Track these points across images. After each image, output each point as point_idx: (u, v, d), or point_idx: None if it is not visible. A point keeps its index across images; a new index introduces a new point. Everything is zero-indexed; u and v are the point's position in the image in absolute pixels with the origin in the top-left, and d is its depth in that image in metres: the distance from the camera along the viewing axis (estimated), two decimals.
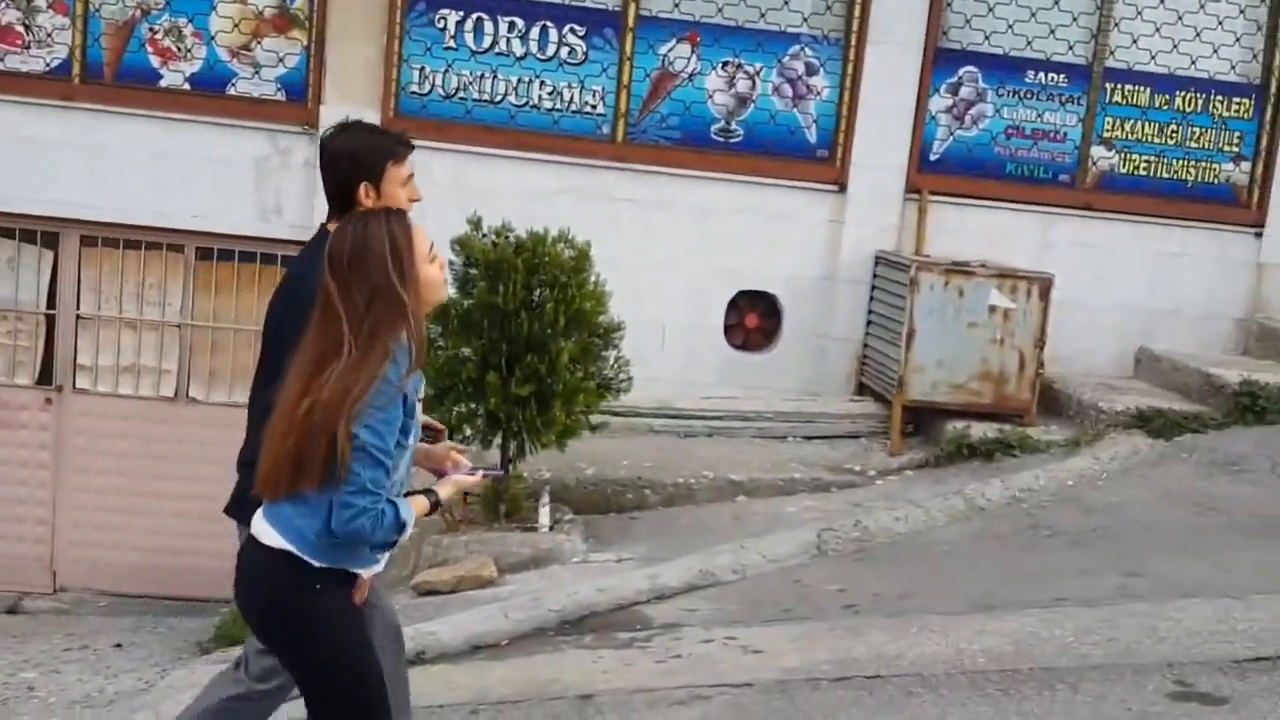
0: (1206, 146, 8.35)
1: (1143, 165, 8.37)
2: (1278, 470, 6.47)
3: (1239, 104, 8.33)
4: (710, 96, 8.07)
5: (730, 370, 8.26)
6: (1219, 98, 8.31)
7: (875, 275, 8.04)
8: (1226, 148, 8.38)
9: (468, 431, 5.92)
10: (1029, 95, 8.24)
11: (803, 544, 5.85)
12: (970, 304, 7.45)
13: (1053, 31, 8.13)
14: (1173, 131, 8.35)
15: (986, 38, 8.12)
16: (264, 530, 2.84)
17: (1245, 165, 8.41)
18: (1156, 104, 8.33)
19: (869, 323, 8.08)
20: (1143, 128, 8.35)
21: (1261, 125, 8.36)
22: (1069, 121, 8.29)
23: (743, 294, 8.27)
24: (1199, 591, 4.80)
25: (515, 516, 6.21)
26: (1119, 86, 8.27)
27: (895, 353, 7.50)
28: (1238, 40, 8.25)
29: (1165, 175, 8.36)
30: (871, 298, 8.07)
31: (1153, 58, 8.23)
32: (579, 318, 5.93)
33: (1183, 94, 8.29)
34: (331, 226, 3.17)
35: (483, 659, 4.84)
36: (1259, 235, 8.39)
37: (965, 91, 8.20)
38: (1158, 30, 8.19)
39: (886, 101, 8.07)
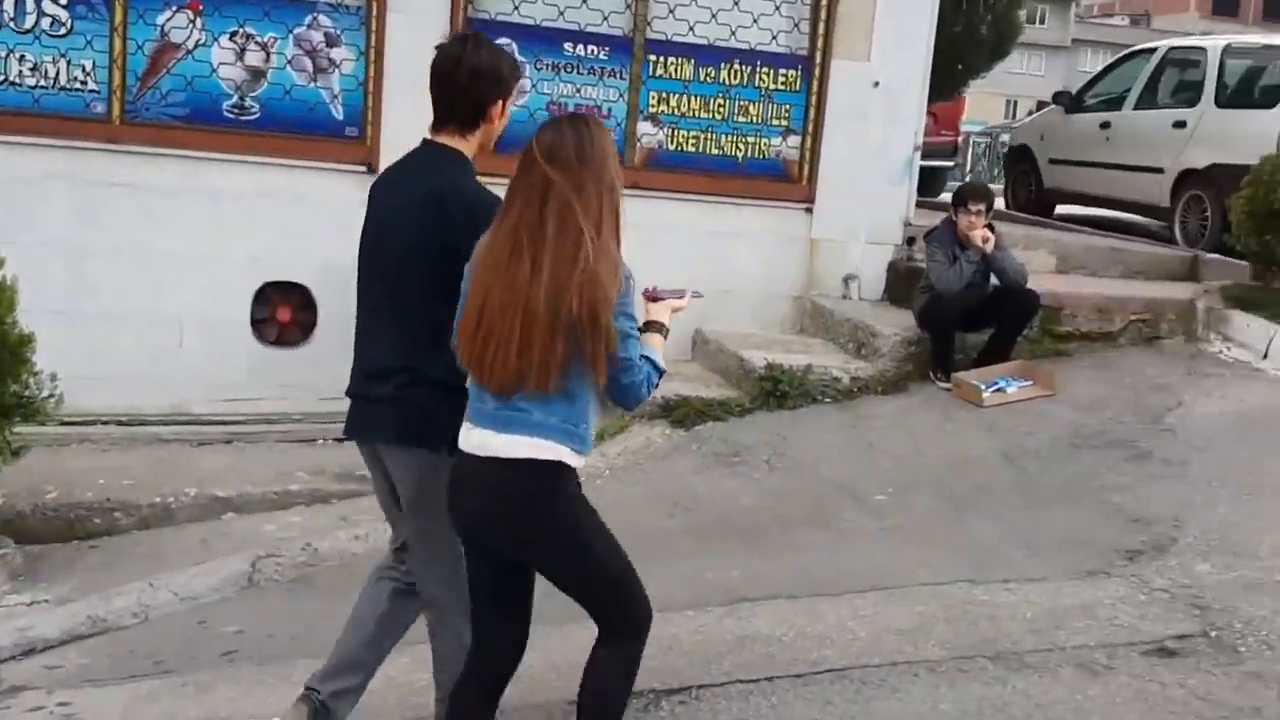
0: (755, 121, 8.14)
1: (691, 141, 8.09)
2: (772, 462, 6.28)
3: (785, 76, 8.15)
4: (216, 70, 7.34)
5: (262, 369, 7.60)
6: (765, 70, 8.10)
7: None
8: (775, 122, 8.19)
9: None
10: (568, 69, 7.83)
11: (233, 574, 5.28)
12: None
13: (585, 1, 7.71)
14: (719, 106, 8.10)
15: (516, 7, 7.66)
16: (518, 443, 2.83)
17: (794, 140, 8.24)
18: (701, 77, 8.05)
19: None
20: (688, 102, 8.06)
21: (809, 98, 8.19)
22: (612, 96, 7.92)
23: (273, 285, 7.61)
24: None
25: None
26: (661, 59, 7.95)
27: None
28: (778, 9, 8.03)
29: (714, 151, 8.10)
30: None
31: (691, 28, 7.94)
32: None
33: (727, 66, 8.04)
34: (445, 139, 3.25)
35: None
36: (809, 211, 8.23)
37: None
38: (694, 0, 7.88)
39: (418, 76, 7.48)
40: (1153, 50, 11.00)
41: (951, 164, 17.70)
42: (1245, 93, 9.65)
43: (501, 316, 2.79)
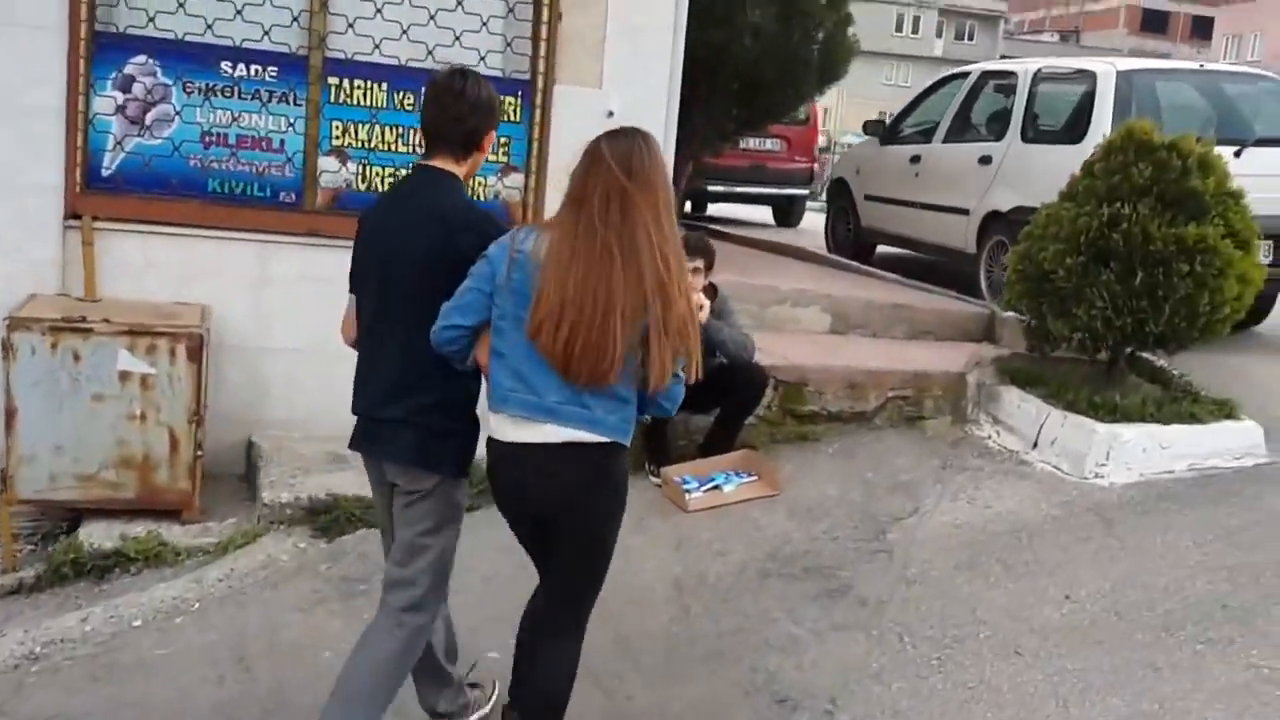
0: None
1: (387, 180, 6.78)
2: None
3: (501, 104, 6.84)
4: None
5: None
6: None
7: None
8: (492, 157, 6.91)
9: None
10: (226, 93, 6.51)
11: None
12: (93, 370, 5.67)
13: (239, 12, 6.41)
14: (421, 137, 6.79)
15: (151, 19, 6.32)
16: (581, 435, 3.10)
17: (516, 178, 6.99)
18: (397, 103, 6.77)
19: None
20: (381, 133, 6.77)
21: (531, 129, 6.94)
22: (282, 126, 6.62)
23: None
24: None
25: None
26: (346, 81, 6.66)
27: None
28: (485, 25, 6.78)
29: None
30: None
31: (377, 46, 6.65)
32: None
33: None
34: (440, 164, 3.52)
35: None
36: None
37: (140, 88, 6.39)
38: (380, 12, 6.61)
39: (29, 101, 6.15)
40: (966, 75, 9.90)
41: (807, 191, 16.65)
42: (1053, 125, 8.56)
43: (592, 311, 2.98)
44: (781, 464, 6.05)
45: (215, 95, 6.52)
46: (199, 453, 5.87)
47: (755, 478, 5.90)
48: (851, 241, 10.88)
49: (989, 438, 6.37)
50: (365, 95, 6.73)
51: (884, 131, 10.58)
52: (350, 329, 3.65)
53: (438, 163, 3.52)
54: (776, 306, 7.59)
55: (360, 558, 5.39)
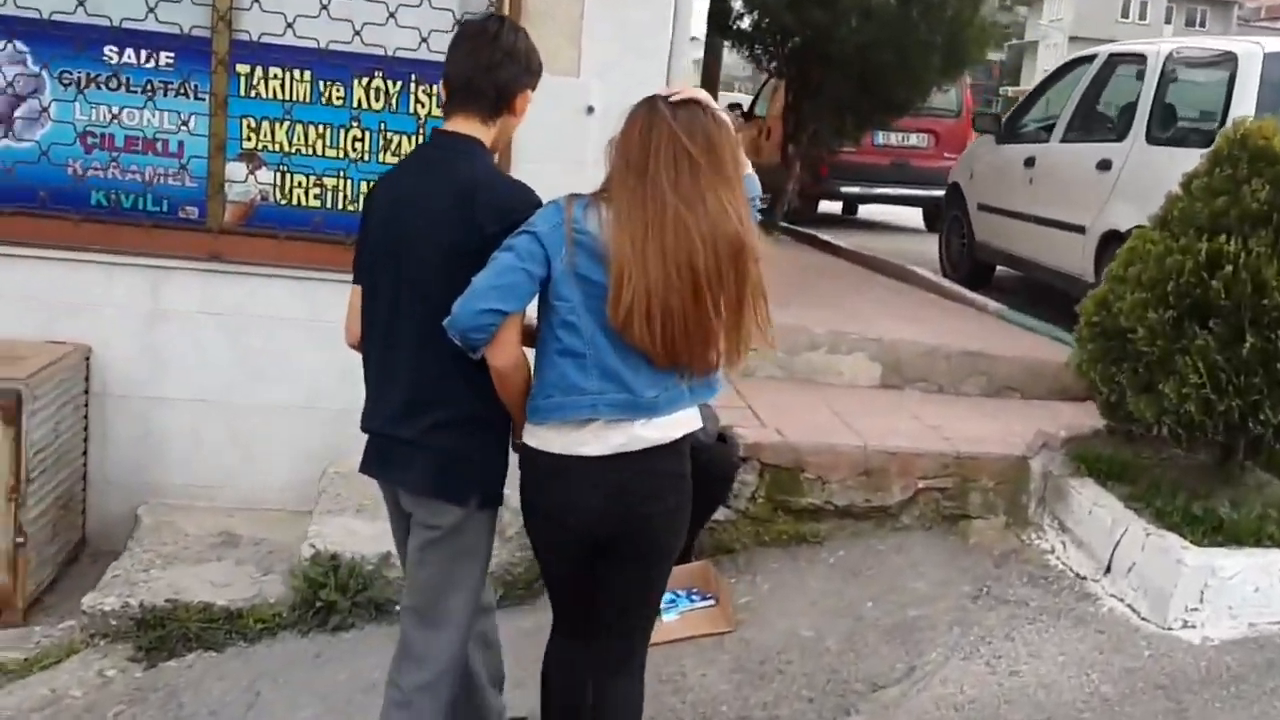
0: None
1: (311, 192, 5.54)
2: None
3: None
4: None
5: None
6: (422, 85, 5.54)
7: None
8: None
9: None
10: (109, 85, 5.36)
11: None
12: None
13: None
14: (353, 139, 5.56)
15: None
16: (675, 420, 2.81)
17: None
18: (323, 97, 5.50)
19: None
20: (303, 134, 5.52)
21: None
22: (180, 125, 5.42)
23: None
24: None
25: None
26: (257, 69, 5.42)
27: None
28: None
29: (348, 207, 5.53)
30: None
31: (290, 25, 5.39)
32: None
33: (362, 81, 5.48)
34: (463, 127, 2.95)
35: None
36: None
37: (8, 76, 5.29)
38: None
39: None
40: (1092, 58, 8.00)
41: None
42: (1184, 122, 6.67)
43: (681, 290, 2.66)
44: (756, 581, 4.53)
45: (98, 87, 5.36)
46: (19, 539, 4.72)
47: (713, 602, 4.39)
48: (966, 259, 9.11)
49: (1051, 552, 4.70)
50: (282, 86, 5.48)
51: (999, 128, 8.76)
52: (355, 328, 3.07)
53: (459, 126, 2.96)
54: (809, 353, 6.02)
55: (171, 696, 4.12)
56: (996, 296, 8.48)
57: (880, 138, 13.39)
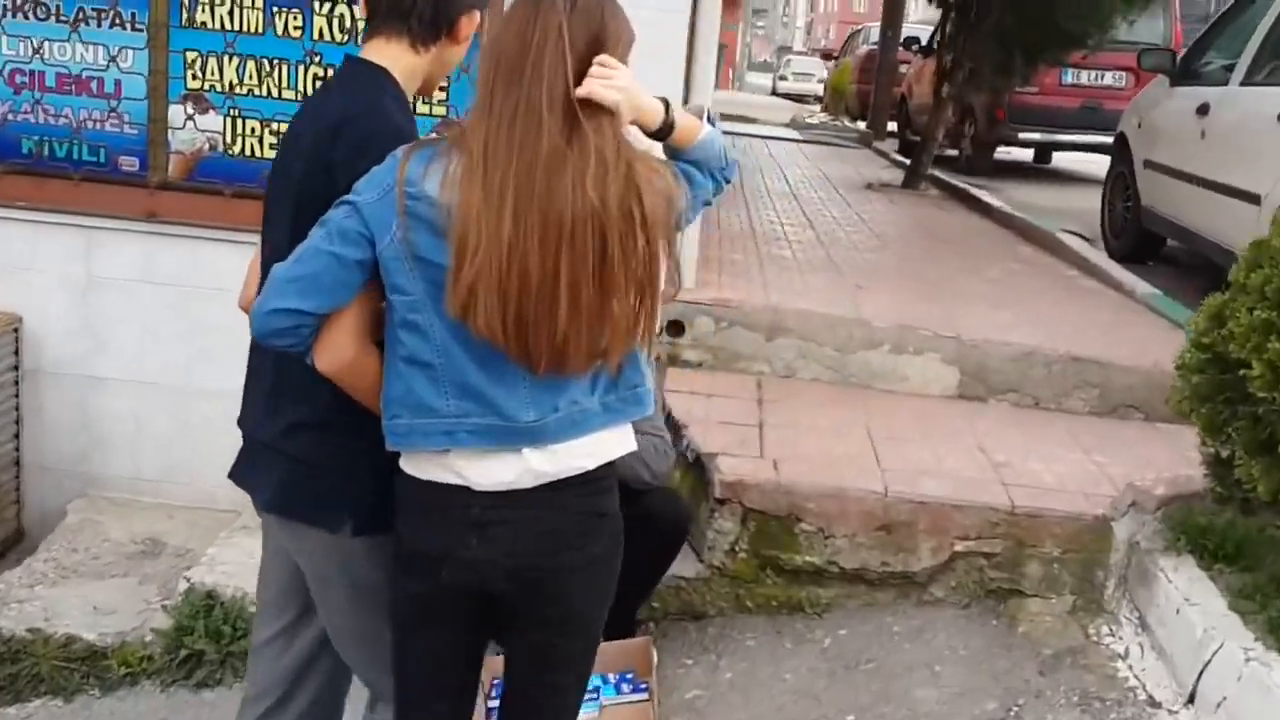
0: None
1: (266, 139, 4.72)
2: None
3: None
4: None
5: None
6: None
7: None
8: (425, 110, 4.65)
9: None
10: (41, 13, 4.65)
11: None
12: None
13: None
14: (314, 75, 4.69)
15: None
16: (586, 445, 2.09)
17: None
18: (278, 28, 4.65)
19: None
20: (255, 69, 4.71)
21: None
22: (112, 60, 4.68)
23: None
24: None
25: None
26: None
27: None
28: None
29: None
30: None
31: None
32: None
33: (323, 5, 4.60)
34: (377, 55, 2.26)
35: None
36: None
37: None
38: None
39: None
40: None
41: None
42: None
43: (556, 252, 1.91)
44: (719, 666, 3.48)
45: (18, 16, 4.64)
46: None
47: (646, 695, 3.37)
48: (1131, 228, 7.61)
49: (1123, 657, 3.46)
50: (231, 15, 4.63)
51: (1174, 66, 7.20)
52: (251, 293, 2.29)
53: (375, 52, 2.29)
54: (866, 352, 4.82)
55: None
56: (1164, 275, 7.03)
57: (1069, 75, 11.84)
